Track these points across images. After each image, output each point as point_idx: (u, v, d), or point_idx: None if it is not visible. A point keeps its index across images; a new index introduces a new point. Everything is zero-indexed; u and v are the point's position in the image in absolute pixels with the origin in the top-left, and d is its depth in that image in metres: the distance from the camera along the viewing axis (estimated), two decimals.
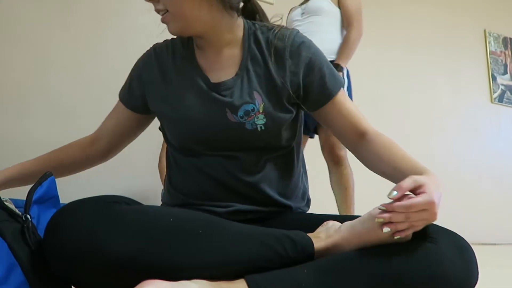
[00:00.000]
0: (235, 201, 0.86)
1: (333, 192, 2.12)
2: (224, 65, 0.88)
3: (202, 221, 0.72)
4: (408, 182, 0.66)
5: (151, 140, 2.04)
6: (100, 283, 0.65)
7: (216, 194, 0.87)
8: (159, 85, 0.90)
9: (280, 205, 0.90)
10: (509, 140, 3.79)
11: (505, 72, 3.96)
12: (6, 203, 0.72)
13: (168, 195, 0.95)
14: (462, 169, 3.50)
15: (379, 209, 0.67)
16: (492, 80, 3.84)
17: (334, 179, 2.09)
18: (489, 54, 3.89)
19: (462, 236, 0.72)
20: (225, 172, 0.86)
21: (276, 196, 0.89)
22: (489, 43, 3.90)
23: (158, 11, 0.84)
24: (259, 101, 0.84)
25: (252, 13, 0.96)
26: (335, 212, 2.07)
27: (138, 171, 2.17)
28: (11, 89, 1.99)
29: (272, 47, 0.86)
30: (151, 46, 0.97)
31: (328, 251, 0.71)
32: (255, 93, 0.85)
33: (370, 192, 2.23)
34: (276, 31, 0.88)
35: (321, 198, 1.99)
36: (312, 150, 2.16)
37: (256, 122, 0.83)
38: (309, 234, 0.73)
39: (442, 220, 0.82)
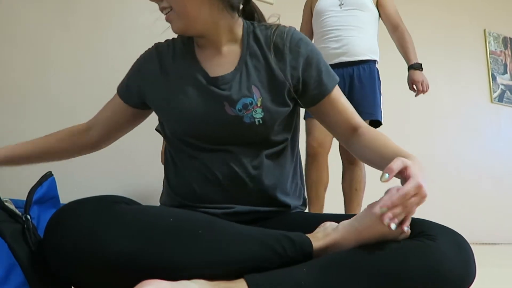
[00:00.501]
0: (233, 203, 0.86)
1: (343, 191, 2.08)
2: (223, 61, 0.90)
3: (202, 221, 0.72)
4: (397, 164, 0.68)
5: (151, 140, 2.04)
6: (100, 283, 0.65)
7: (214, 195, 0.87)
8: (158, 79, 0.91)
9: (278, 203, 0.90)
10: (509, 140, 3.79)
11: (505, 72, 3.96)
12: (6, 203, 0.72)
13: (166, 196, 0.95)
14: (462, 169, 3.50)
15: (380, 210, 0.67)
16: (492, 80, 3.84)
17: (346, 178, 2.06)
18: (489, 54, 3.89)
19: (461, 235, 0.73)
20: (223, 168, 0.86)
21: (274, 193, 0.89)
22: (489, 42, 3.90)
23: (162, 9, 0.86)
24: (257, 95, 0.86)
25: (250, 14, 0.98)
26: (339, 211, 2.07)
27: (137, 171, 2.17)
28: (11, 89, 1.99)
29: (271, 42, 0.89)
30: (152, 45, 0.99)
31: (326, 250, 0.71)
32: (253, 87, 0.86)
33: (372, 194, 2.23)
34: (274, 28, 0.91)
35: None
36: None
37: (254, 116, 0.85)
38: (307, 235, 0.74)
39: (443, 219, 0.82)
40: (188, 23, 0.85)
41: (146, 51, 0.98)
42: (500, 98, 3.86)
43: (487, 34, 3.90)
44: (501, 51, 3.99)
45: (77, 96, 2.10)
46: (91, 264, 0.63)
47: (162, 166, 1.88)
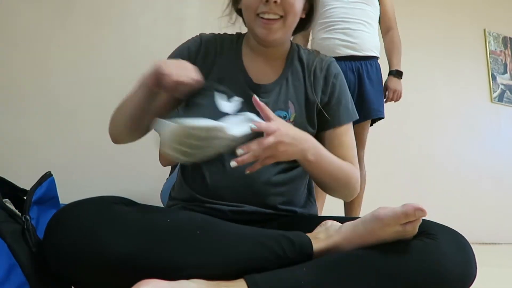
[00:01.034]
0: (243, 202, 0.86)
1: None
2: (267, 71, 0.94)
3: (200, 222, 0.72)
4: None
5: (150, 141, 2.04)
6: (99, 283, 0.65)
7: (225, 193, 0.87)
8: (202, 67, 0.90)
9: (287, 210, 0.91)
10: (509, 140, 3.79)
11: (505, 72, 3.96)
12: (6, 203, 0.72)
13: (178, 188, 0.96)
14: (462, 169, 3.50)
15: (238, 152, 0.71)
16: (492, 79, 3.84)
17: None
18: (489, 54, 3.89)
19: (462, 235, 0.73)
20: (243, 169, 0.86)
21: (285, 200, 0.90)
22: (488, 42, 3.90)
23: (270, 13, 0.85)
24: (292, 111, 0.91)
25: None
26: (339, 210, 2.06)
27: (137, 172, 2.17)
28: (11, 90, 1.99)
29: (313, 67, 0.95)
30: (197, 35, 0.98)
31: (328, 252, 0.71)
32: (289, 102, 0.91)
33: (372, 194, 2.23)
34: (316, 55, 0.98)
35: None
36: None
37: None
38: (308, 234, 0.73)
39: (442, 219, 0.82)
40: (287, 34, 0.90)
41: (190, 41, 0.97)
42: (500, 98, 3.85)
43: (487, 34, 3.90)
44: (501, 51, 3.98)
45: (77, 96, 2.10)
46: (90, 264, 0.63)
47: (162, 166, 1.88)
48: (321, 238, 0.73)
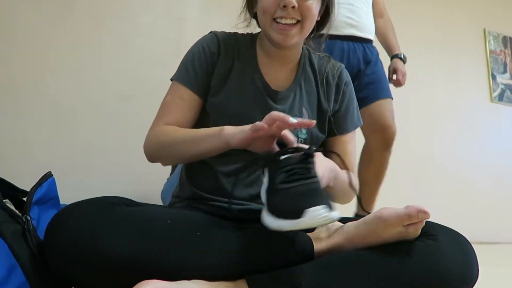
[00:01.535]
0: (249, 200, 0.86)
1: (364, 179, 1.82)
2: (281, 76, 0.94)
3: (201, 222, 0.72)
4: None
5: None
6: (100, 283, 0.65)
7: (232, 190, 0.86)
8: (220, 73, 0.90)
9: None
10: (509, 140, 3.79)
11: (504, 71, 3.96)
12: (6, 204, 0.72)
13: (179, 187, 0.95)
14: (462, 168, 3.50)
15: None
16: (491, 79, 3.84)
17: (374, 164, 1.83)
18: (489, 53, 3.89)
19: (464, 236, 0.72)
20: (250, 173, 0.86)
21: None
22: (488, 42, 3.90)
23: (287, 18, 0.84)
24: (306, 117, 0.91)
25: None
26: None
27: (137, 172, 2.17)
28: (10, 89, 1.99)
29: (325, 73, 0.96)
30: (211, 31, 0.96)
31: (329, 252, 0.71)
32: (304, 109, 0.92)
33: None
34: (328, 61, 0.98)
35: None
36: None
37: (299, 136, 0.89)
38: (309, 234, 0.73)
39: (442, 219, 0.82)
40: (302, 38, 0.90)
41: (205, 40, 0.94)
42: (500, 97, 3.85)
43: (486, 33, 3.90)
44: (501, 50, 3.98)
45: (77, 96, 2.10)
46: (91, 265, 0.63)
47: (162, 167, 1.87)
48: (322, 238, 0.73)
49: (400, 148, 1.99)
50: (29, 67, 2.06)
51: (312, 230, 0.76)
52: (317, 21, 0.92)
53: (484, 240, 3.28)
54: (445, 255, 0.67)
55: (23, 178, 0.98)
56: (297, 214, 0.59)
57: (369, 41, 1.88)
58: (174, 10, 2.28)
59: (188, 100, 0.89)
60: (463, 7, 3.79)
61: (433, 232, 0.70)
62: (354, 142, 0.98)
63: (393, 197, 1.70)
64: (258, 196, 0.85)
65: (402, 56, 1.95)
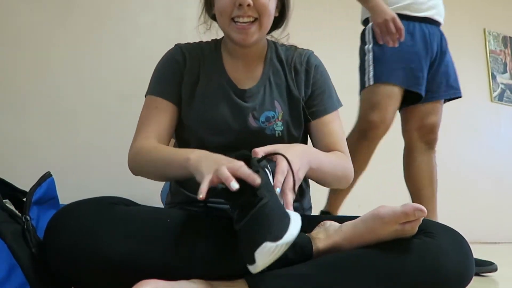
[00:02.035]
0: None
1: (413, 186, 1.71)
2: (248, 74, 0.94)
3: (199, 223, 0.72)
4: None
5: None
6: (99, 283, 0.65)
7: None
8: (189, 82, 0.92)
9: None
10: (509, 140, 3.79)
11: (504, 71, 3.96)
12: (6, 204, 0.72)
13: (170, 195, 0.96)
14: (462, 168, 3.50)
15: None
16: (491, 79, 3.84)
17: (422, 167, 1.69)
18: (489, 53, 3.89)
19: (460, 234, 0.73)
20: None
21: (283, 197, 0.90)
22: (488, 42, 3.90)
23: (244, 17, 0.85)
24: (279, 110, 0.92)
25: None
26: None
27: None
28: (10, 90, 1.99)
29: (292, 63, 0.96)
30: (175, 44, 0.98)
31: (327, 252, 0.71)
32: (275, 102, 0.92)
33: (372, 192, 2.23)
34: (294, 50, 0.99)
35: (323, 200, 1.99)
36: None
37: (275, 128, 0.90)
38: (308, 235, 0.74)
39: (442, 219, 0.82)
40: (262, 35, 0.91)
41: (171, 52, 0.96)
42: (500, 97, 3.85)
43: (486, 33, 3.90)
44: (501, 50, 3.98)
45: (77, 96, 2.10)
46: (90, 264, 0.63)
47: None
48: (320, 238, 0.73)
49: (400, 148, 1.99)
50: (29, 67, 2.06)
51: (310, 230, 0.76)
52: (276, 18, 0.93)
53: (484, 240, 3.28)
54: (443, 253, 0.67)
55: (23, 178, 0.98)
56: (250, 260, 0.57)
57: (440, 27, 1.73)
58: (174, 10, 2.28)
59: (163, 108, 0.91)
60: (463, 7, 3.79)
61: (431, 230, 0.70)
62: (339, 122, 0.97)
63: (393, 196, 1.70)
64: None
65: None
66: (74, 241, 0.64)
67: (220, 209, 0.84)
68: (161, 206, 1.48)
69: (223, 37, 0.98)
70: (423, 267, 0.66)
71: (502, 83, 3.92)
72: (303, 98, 0.94)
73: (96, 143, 1.98)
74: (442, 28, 1.84)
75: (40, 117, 2.01)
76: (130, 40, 2.27)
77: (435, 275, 0.66)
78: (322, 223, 0.78)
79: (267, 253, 0.56)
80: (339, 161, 0.90)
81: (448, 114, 3.71)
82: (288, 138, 0.92)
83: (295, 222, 0.61)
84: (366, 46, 1.61)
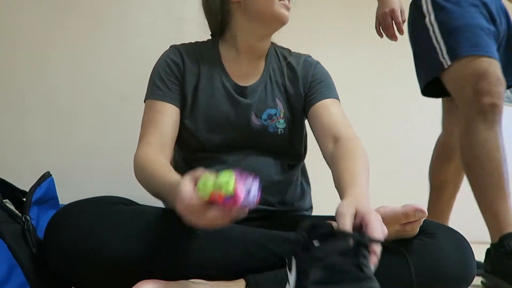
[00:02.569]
0: None
1: (443, 184, 1.62)
2: (249, 72, 0.95)
3: None
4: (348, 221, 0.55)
5: None
6: (99, 283, 0.65)
7: None
8: (190, 82, 0.92)
9: (285, 204, 0.92)
10: (509, 140, 3.78)
11: None
12: (6, 204, 0.72)
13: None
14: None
15: None
16: None
17: (450, 166, 1.62)
18: None
19: (461, 234, 0.73)
20: (245, 168, 0.86)
21: (284, 196, 0.91)
22: None
23: None
24: (280, 107, 0.93)
25: None
26: None
27: None
28: (10, 90, 1.99)
29: (286, 61, 0.98)
30: (170, 46, 0.98)
31: None
32: (276, 99, 0.93)
33: (373, 192, 2.23)
34: (290, 52, 1.01)
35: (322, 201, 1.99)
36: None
37: (278, 126, 0.91)
38: None
39: None
40: None
41: (168, 54, 0.95)
42: None
43: None
44: None
45: (77, 96, 2.10)
46: (90, 265, 0.63)
47: None
48: None
49: (400, 148, 1.98)
50: (29, 67, 2.06)
51: None
52: None
53: (484, 240, 3.28)
54: (443, 253, 0.67)
55: (23, 178, 0.98)
56: None
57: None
58: (174, 10, 2.28)
59: (165, 112, 0.88)
60: None
61: (432, 230, 0.70)
62: (341, 108, 0.94)
63: (395, 195, 1.70)
64: None
65: None
66: (74, 241, 0.64)
67: None
68: (161, 206, 1.48)
69: (218, 37, 0.98)
70: (423, 267, 0.66)
71: None
72: (302, 93, 0.95)
73: (96, 143, 1.98)
74: None
75: (40, 117, 2.01)
76: (130, 40, 2.27)
77: (436, 275, 0.66)
78: None
79: None
80: (365, 164, 0.78)
81: None
82: (290, 136, 0.93)
83: None
84: (427, 19, 1.30)
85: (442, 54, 1.27)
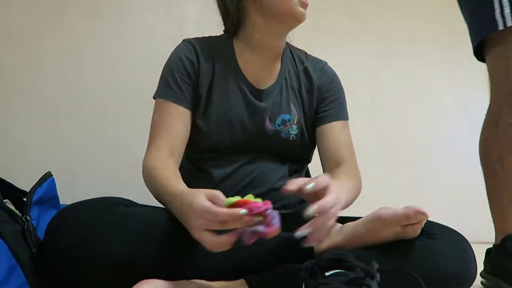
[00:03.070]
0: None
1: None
2: (264, 73, 0.92)
3: None
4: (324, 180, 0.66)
5: None
6: (99, 283, 0.65)
7: (233, 194, 0.86)
8: (204, 83, 0.88)
9: (290, 207, 0.91)
10: None
11: None
12: (6, 204, 0.72)
13: None
14: (462, 168, 3.50)
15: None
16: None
17: None
18: None
19: (462, 234, 0.73)
20: (248, 176, 0.86)
21: (289, 199, 0.89)
22: None
23: None
24: (295, 113, 0.92)
25: None
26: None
27: (138, 173, 2.17)
28: (9, 90, 1.99)
29: (308, 68, 0.95)
30: (183, 40, 0.93)
31: (328, 252, 0.71)
32: (291, 104, 0.92)
33: (372, 193, 2.23)
34: (306, 54, 0.99)
35: None
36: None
37: (290, 132, 0.90)
38: None
39: (443, 219, 0.82)
40: None
41: (180, 50, 0.90)
42: None
43: None
44: None
45: (77, 96, 2.10)
46: (91, 265, 0.63)
47: None
48: None
49: (400, 148, 1.98)
50: (28, 67, 2.06)
51: None
52: None
53: (484, 240, 3.28)
54: (444, 254, 0.67)
55: (23, 178, 0.98)
56: None
57: None
58: (174, 10, 2.28)
59: (177, 115, 0.86)
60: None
61: (432, 231, 0.70)
62: (349, 132, 0.95)
63: (393, 196, 1.70)
64: (256, 197, 0.86)
65: None
66: (74, 242, 0.64)
67: None
68: (161, 206, 1.48)
69: (232, 34, 0.93)
70: (424, 268, 0.66)
71: None
72: (315, 103, 0.94)
73: (96, 143, 1.98)
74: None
75: (40, 117, 2.01)
76: (130, 40, 2.27)
77: (436, 276, 0.66)
78: None
79: None
80: (355, 187, 0.85)
81: (448, 113, 3.71)
82: (301, 142, 0.92)
83: None
84: None
85: (502, 12, 1.01)
